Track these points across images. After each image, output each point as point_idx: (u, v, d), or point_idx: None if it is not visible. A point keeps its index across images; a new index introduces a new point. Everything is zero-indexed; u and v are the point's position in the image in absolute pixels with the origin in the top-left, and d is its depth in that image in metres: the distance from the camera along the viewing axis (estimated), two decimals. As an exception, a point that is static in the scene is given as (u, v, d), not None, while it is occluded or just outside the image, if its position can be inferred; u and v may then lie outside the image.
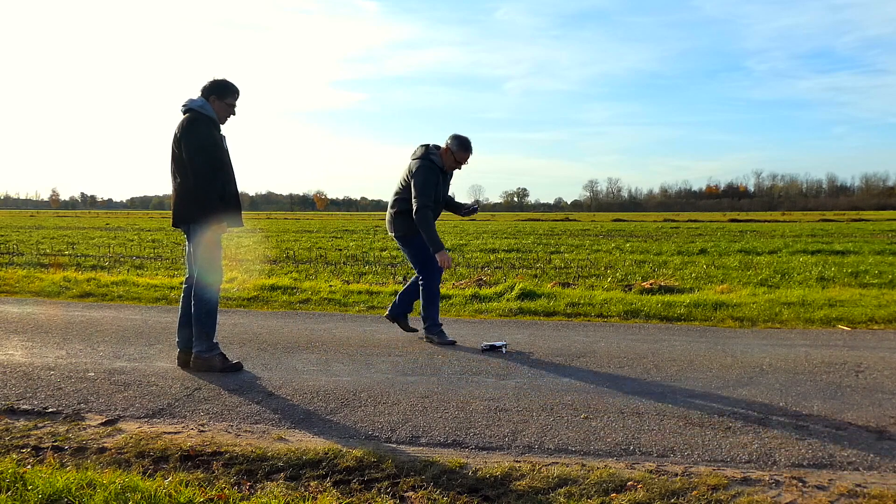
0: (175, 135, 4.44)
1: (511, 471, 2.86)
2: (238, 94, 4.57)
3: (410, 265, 5.68)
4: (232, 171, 4.56)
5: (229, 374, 4.39)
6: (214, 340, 4.55)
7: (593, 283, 9.29)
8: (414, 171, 5.26)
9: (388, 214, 5.51)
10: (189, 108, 4.46)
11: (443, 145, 5.41)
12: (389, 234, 5.49)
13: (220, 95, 4.50)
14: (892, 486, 2.69)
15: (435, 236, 5.20)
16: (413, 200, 5.22)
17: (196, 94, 4.54)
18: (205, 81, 4.53)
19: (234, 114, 4.61)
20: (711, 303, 7.10)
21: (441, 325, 5.45)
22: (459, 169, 5.48)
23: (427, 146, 5.41)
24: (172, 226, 4.56)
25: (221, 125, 4.58)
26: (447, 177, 5.48)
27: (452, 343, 5.34)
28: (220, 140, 4.50)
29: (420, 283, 5.41)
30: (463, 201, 5.67)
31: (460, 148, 5.35)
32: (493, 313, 6.91)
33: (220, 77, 4.54)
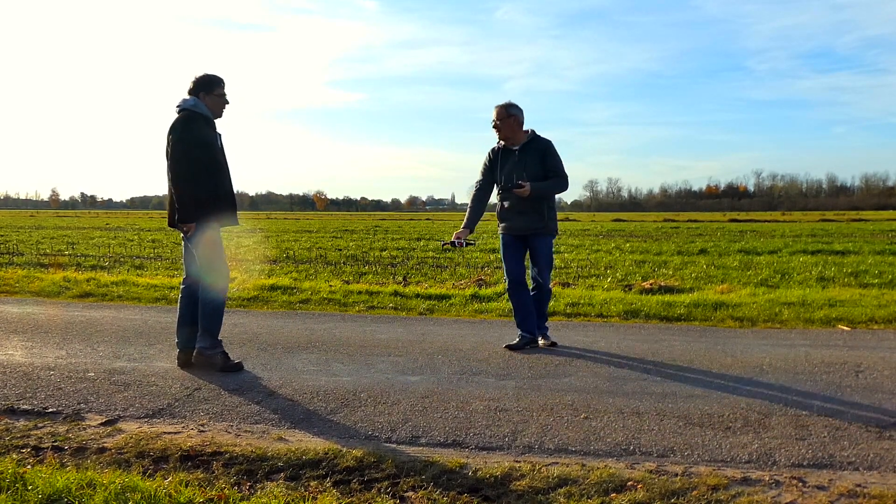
0: (169, 134, 4.45)
1: (511, 471, 2.86)
2: (224, 83, 4.59)
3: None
4: (227, 170, 4.57)
5: (229, 374, 4.39)
6: (219, 339, 4.56)
7: (593, 283, 9.28)
8: None
9: None
10: (182, 108, 4.47)
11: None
12: None
13: (208, 90, 4.52)
14: (892, 486, 2.69)
15: (468, 215, 5.30)
16: None
17: (186, 95, 4.55)
18: (188, 84, 4.54)
19: (227, 102, 4.61)
20: (711, 303, 7.10)
21: (528, 334, 5.22)
22: (501, 133, 5.13)
23: None
24: (168, 225, 4.56)
25: (219, 117, 4.60)
26: (512, 153, 5.12)
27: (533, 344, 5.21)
28: (215, 139, 4.52)
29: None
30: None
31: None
32: (493, 313, 6.91)
33: (201, 73, 4.56)
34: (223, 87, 4.58)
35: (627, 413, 3.62)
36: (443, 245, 5.41)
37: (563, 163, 5.16)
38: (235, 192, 4.72)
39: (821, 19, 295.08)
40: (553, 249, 5.32)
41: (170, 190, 4.50)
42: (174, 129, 4.40)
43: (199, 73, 4.56)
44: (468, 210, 5.35)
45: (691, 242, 19.19)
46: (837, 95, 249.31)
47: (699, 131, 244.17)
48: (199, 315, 4.51)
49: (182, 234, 4.57)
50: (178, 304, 4.66)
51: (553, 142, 5.17)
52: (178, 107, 4.50)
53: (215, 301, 4.52)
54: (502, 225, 5.24)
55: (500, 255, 5.41)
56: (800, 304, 7.04)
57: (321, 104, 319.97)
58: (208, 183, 4.41)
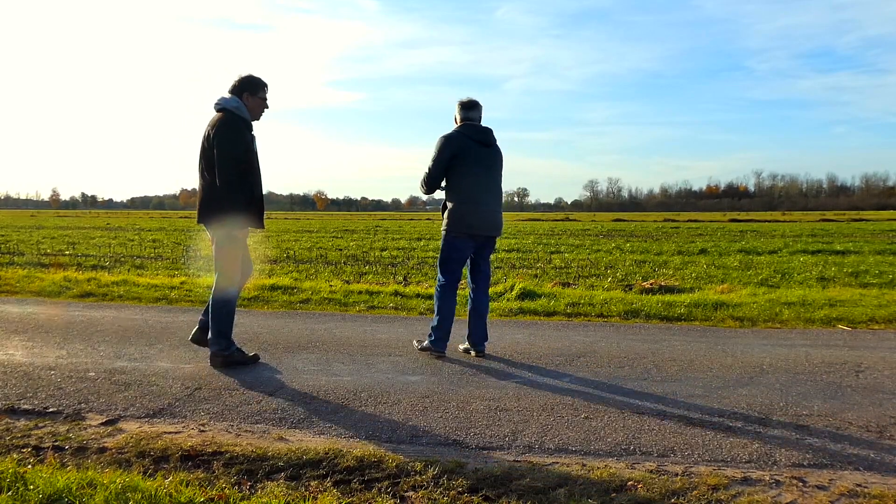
0: (207, 133, 4.42)
1: (511, 470, 2.86)
2: (267, 87, 4.58)
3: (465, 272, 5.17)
4: (259, 174, 4.56)
5: (229, 374, 4.40)
6: (231, 338, 4.62)
7: (593, 283, 9.29)
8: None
9: (494, 213, 4.96)
10: (223, 108, 4.44)
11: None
12: (492, 234, 4.99)
13: (253, 91, 4.51)
14: (892, 486, 2.70)
15: None
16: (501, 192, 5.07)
17: (224, 94, 4.53)
18: (233, 80, 4.51)
19: (267, 107, 4.61)
20: (711, 303, 7.10)
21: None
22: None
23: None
24: (197, 222, 4.58)
25: (257, 120, 4.59)
26: None
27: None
28: (252, 142, 4.51)
29: (488, 284, 5.11)
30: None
31: None
32: (493, 313, 6.91)
33: (246, 73, 4.55)
34: (266, 91, 4.57)
35: (627, 413, 3.62)
36: None
37: (433, 160, 4.86)
38: None
39: (821, 19, 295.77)
40: (443, 247, 4.95)
41: (201, 188, 4.50)
42: (220, 132, 4.35)
43: (245, 74, 4.54)
44: None
45: (691, 242, 19.20)
46: (838, 95, 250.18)
47: (699, 131, 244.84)
48: (211, 317, 4.54)
49: (209, 233, 4.59)
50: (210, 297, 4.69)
51: (440, 136, 4.88)
52: (217, 105, 4.47)
53: (228, 304, 4.55)
54: None
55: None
56: (800, 304, 7.04)
57: (321, 104, 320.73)
58: (245, 187, 4.41)
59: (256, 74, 4.55)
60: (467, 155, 4.84)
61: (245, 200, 4.43)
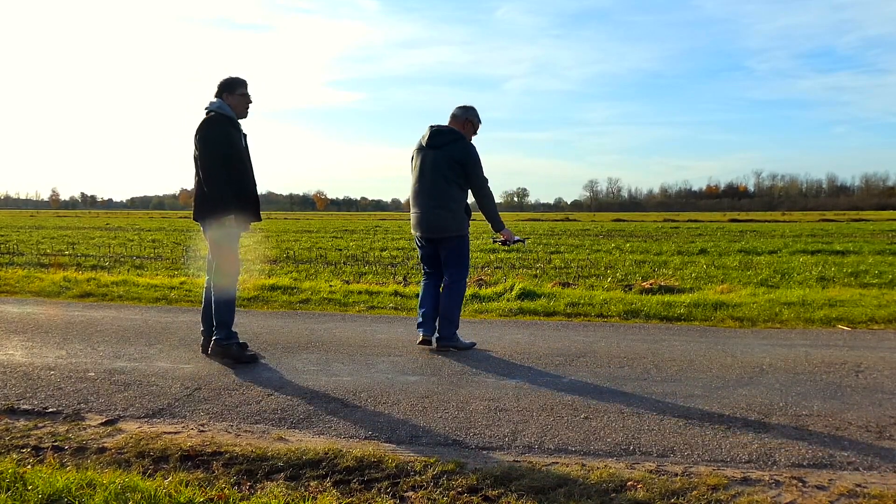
0: (195, 135, 4.67)
1: (511, 470, 2.86)
2: (246, 84, 4.81)
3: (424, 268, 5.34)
4: (250, 169, 4.77)
5: (229, 374, 4.40)
6: (233, 330, 4.77)
7: (593, 283, 9.29)
8: (474, 157, 4.98)
9: (425, 216, 5.03)
10: (209, 110, 4.70)
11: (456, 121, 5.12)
12: (429, 236, 5.10)
13: (231, 90, 4.74)
14: (892, 486, 2.69)
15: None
16: (482, 186, 5.05)
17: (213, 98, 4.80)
18: (215, 87, 4.78)
19: (251, 101, 4.82)
20: (711, 303, 7.10)
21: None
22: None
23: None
24: (193, 219, 4.77)
25: (244, 117, 4.81)
26: None
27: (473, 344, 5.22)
28: (239, 139, 4.70)
29: (451, 283, 5.17)
30: None
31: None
32: (493, 313, 6.91)
33: (224, 77, 4.79)
34: (245, 88, 4.79)
35: (627, 413, 3.61)
36: (521, 241, 5.52)
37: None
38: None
39: (821, 19, 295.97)
40: None
41: (194, 186, 4.72)
42: (199, 131, 4.62)
43: (223, 77, 4.78)
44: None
45: (691, 242, 19.20)
46: (837, 95, 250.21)
47: (699, 131, 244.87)
48: (213, 308, 4.73)
49: (203, 231, 4.77)
50: (203, 298, 4.94)
51: None
52: (206, 109, 4.72)
53: (227, 295, 4.73)
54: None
55: (466, 252, 5.35)
56: (800, 304, 7.04)
57: (321, 104, 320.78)
58: (231, 181, 4.59)
59: (233, 75, 4.80)
60: (412, 160, 5.16)
61: (233, 195, 4.61)
